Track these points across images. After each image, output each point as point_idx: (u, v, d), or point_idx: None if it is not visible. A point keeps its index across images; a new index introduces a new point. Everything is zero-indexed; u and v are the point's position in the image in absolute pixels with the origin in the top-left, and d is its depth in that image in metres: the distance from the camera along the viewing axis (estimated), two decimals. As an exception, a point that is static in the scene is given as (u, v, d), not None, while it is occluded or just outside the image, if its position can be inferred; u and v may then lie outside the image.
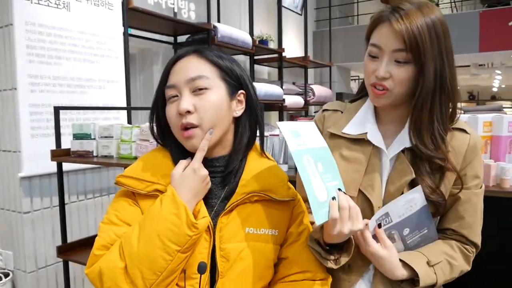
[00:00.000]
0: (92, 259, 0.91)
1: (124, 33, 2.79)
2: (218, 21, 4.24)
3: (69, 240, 2.20)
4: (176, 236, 0.84)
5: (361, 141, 1.03)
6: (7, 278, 2.37)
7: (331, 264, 0.95)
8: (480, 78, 12.18)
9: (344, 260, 0.96)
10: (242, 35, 4.02)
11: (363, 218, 0.97)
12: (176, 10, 3.46)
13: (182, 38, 3.78)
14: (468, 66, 9.69)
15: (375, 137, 1.02)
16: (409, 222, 0.97)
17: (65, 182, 2.32)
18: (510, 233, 1.45)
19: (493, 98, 15.96)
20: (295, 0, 5.41)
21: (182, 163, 0.92)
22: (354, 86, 9.18)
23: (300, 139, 0.91)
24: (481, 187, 1.02)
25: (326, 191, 0.88)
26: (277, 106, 4.63)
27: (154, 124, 1.01)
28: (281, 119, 4.81)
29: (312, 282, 0.97)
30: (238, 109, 0.97)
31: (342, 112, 1.11)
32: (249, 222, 0.93)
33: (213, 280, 0.91)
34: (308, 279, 0.97)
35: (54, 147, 2.08)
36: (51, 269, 2.51)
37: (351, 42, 6.77)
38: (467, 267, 1.01)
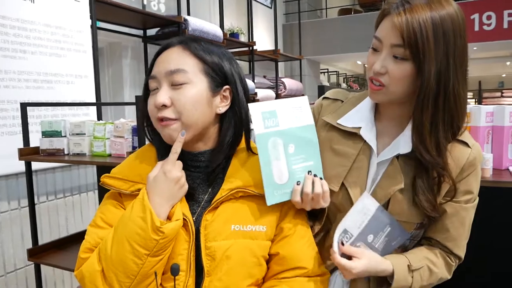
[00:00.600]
0: (79, 262, 0.91)
1: (92, 26, 2.69)
2: (188, 14, 4.16)
3: (39, 242, 2.11)
4: (143, 240, 0.83)
5: (354, 135, 1.00)
6: (-26, 284, 2.26)
7: None
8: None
9: (317, 228, 1.00)
10: (213, 28, 3.97)
11: (343, 212, 0.96)
12: (145, 3, 3.37)
13: (152, 32, 3.69)
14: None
15: (368, 134, 0.98)
16: (370, 228, 0.94)
17: (34, 182, 2.22)
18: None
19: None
20: (265, -7, 5.40)
21: (159, 165, 0.90)
22: (324, 79, 9.27)
23: (274, 121, 0.92)
24: (473, 202, 0.97)
25: (288, 174, 0.92)
26: (249, 99, 4.62)
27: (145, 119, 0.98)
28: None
29: (306, 278, 0.94)
30: (222, 106, 0.94)
31: (342, 102, 1.07)
32: (235, 219, 0.91)
33: (199, 280, 0.89)
34: (302, 276, 0.94)
35: (21, 146, 1.98)
36: (20, 272, 2.41)
37: (320, 35, 6.83)
38: (447, 276, 0.99)
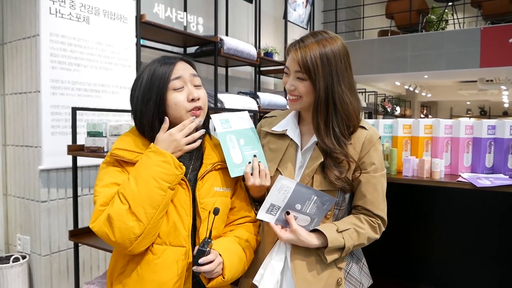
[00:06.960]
0: (97, 213, 1.13)
1: (136, 44, 3.08)
2: (226, 34, 4.51)
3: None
4: (167, 176, 1.13)
5: (283, 136, 1.33)
6: (24, 260, 2.65)
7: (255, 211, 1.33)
8: (489, 93, 12.26)
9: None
10: (247, 48, 4.29)
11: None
12: (185, 24, 3.74)
13: (191, 49, 4.07)
14: (475, 81, 9.83)
15: (292, 133, 1.32)
16: (294, 200, 1.18)
17: (79, 177, 2.59)
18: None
19: (505, 114, 15.94)
20: (301, 15, 5.69)
21: (163, 131, 1.20)
22: (361, 99, 9.37)
23: (228, 124, 1.33)
24: (381, 172, 1.25)
25: (242, 157, 1.31)
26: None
27: (154, 112, 1.23)
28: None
29: (250, 223, 1.35)
30: None
31: (276, 116, 1.42)
32: (216, 183, 1.28)
33: (194, 227, 1.23)
34: (248, 222, 1.35)
35: (70, 143, 2.35)
36: (63, 254, 2.78)
37: (356, 56, 7.01)
38: (375, 235, 1.25)
